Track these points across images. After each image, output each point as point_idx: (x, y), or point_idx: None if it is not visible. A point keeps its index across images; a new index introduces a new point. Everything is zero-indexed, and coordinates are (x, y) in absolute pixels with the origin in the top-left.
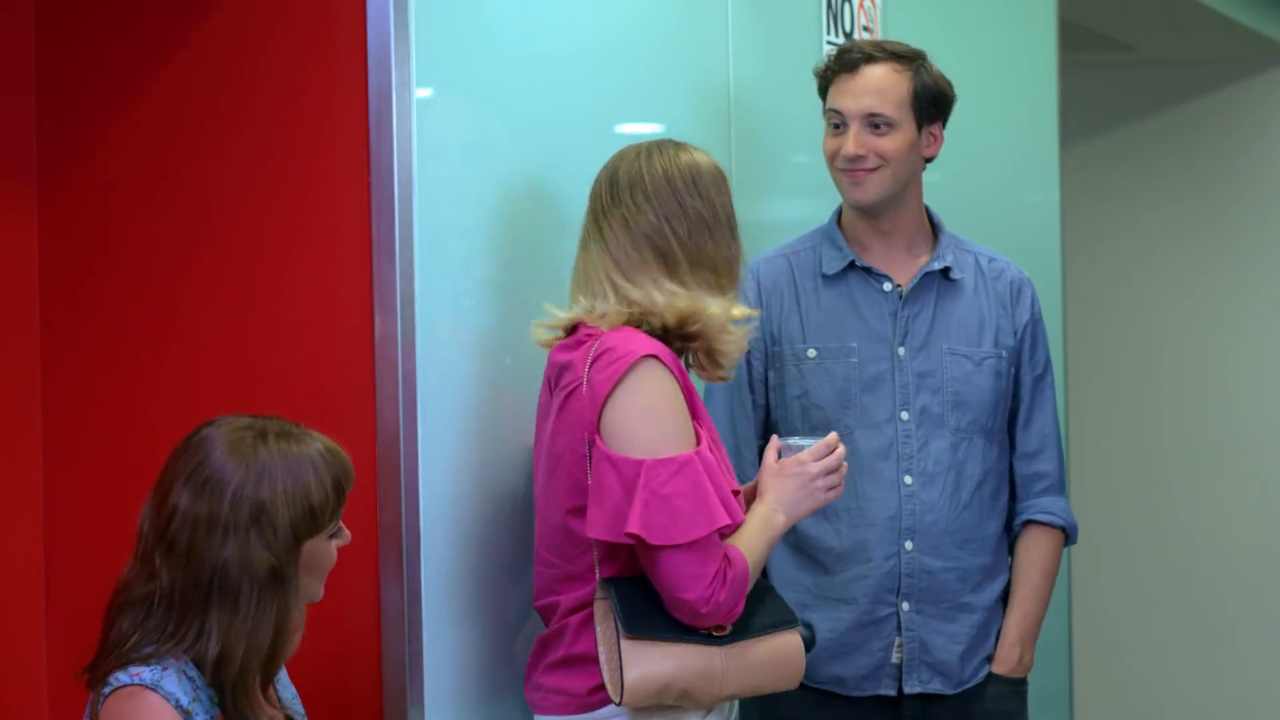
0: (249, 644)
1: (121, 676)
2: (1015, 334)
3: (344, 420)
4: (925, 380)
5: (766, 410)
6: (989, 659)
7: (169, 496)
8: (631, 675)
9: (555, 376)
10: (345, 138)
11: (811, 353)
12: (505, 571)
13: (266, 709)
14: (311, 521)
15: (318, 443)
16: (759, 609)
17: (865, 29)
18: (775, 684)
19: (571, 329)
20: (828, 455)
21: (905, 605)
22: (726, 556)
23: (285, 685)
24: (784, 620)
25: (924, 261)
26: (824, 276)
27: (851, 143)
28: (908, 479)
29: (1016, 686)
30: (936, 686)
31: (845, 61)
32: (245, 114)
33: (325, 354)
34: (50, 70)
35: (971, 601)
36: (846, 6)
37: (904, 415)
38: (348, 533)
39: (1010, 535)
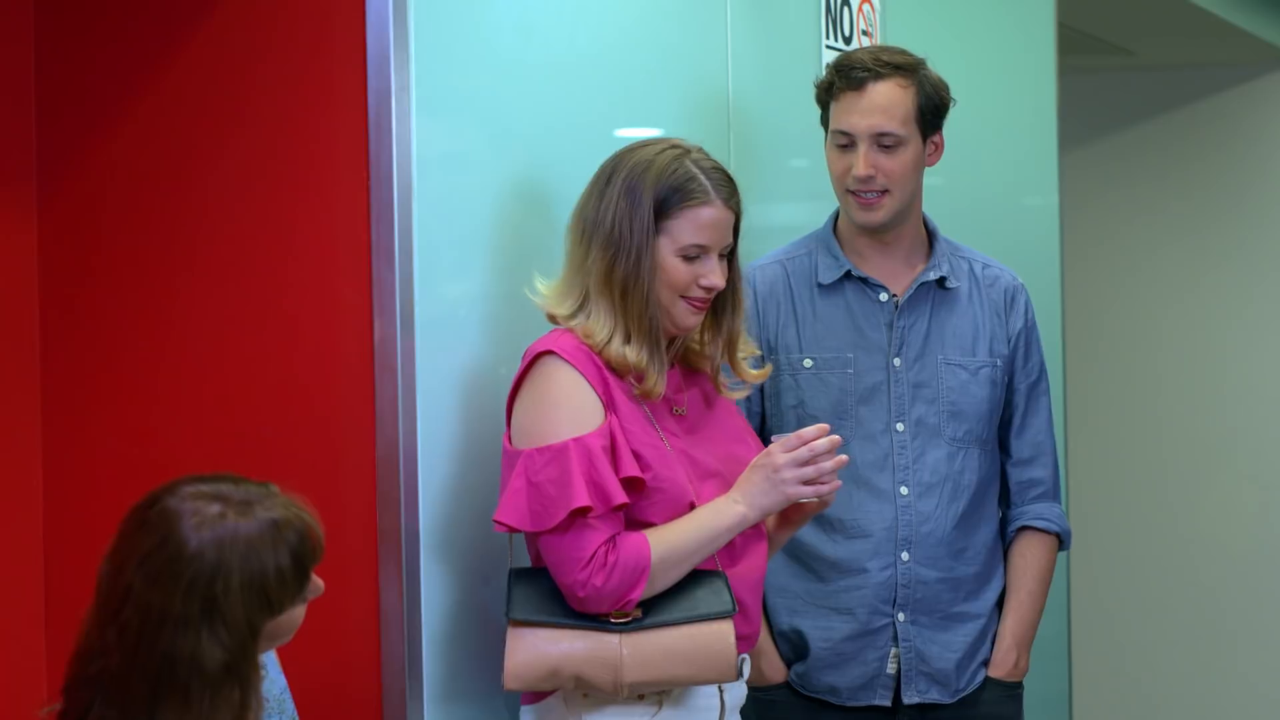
0: None
1: None
2: (1009, 342)
3: (344, 423)
4: (921, 391)
5: (763, 418)
6: (986, 664)
7: (124, 572)
8: (512, 660)
9: None
10: (345, 142)
11: (808, 363)
12: (505, 571)
13: None
14: (268, 609)
15: (276, 513)
16: (688, 597)
17: (864, 33)
18: (695, 675)
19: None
20: (798, 446)
21: (901, 616)
22: (613, 540)
23: (275, 679)
24: (711, 611)
25: (920, 270)
26: (820, 286)
27: (861, 163)
28: (904, 490)
29: (1013, 690)
30: (934, 696)
31: (851, 79)
32: (245, 117)
33: (325, 358)
34: (50, 70)
35: (966, 610)
36: (846, 11)
37: (899, 426)
38: (319, 583)
39: (1004, 541)
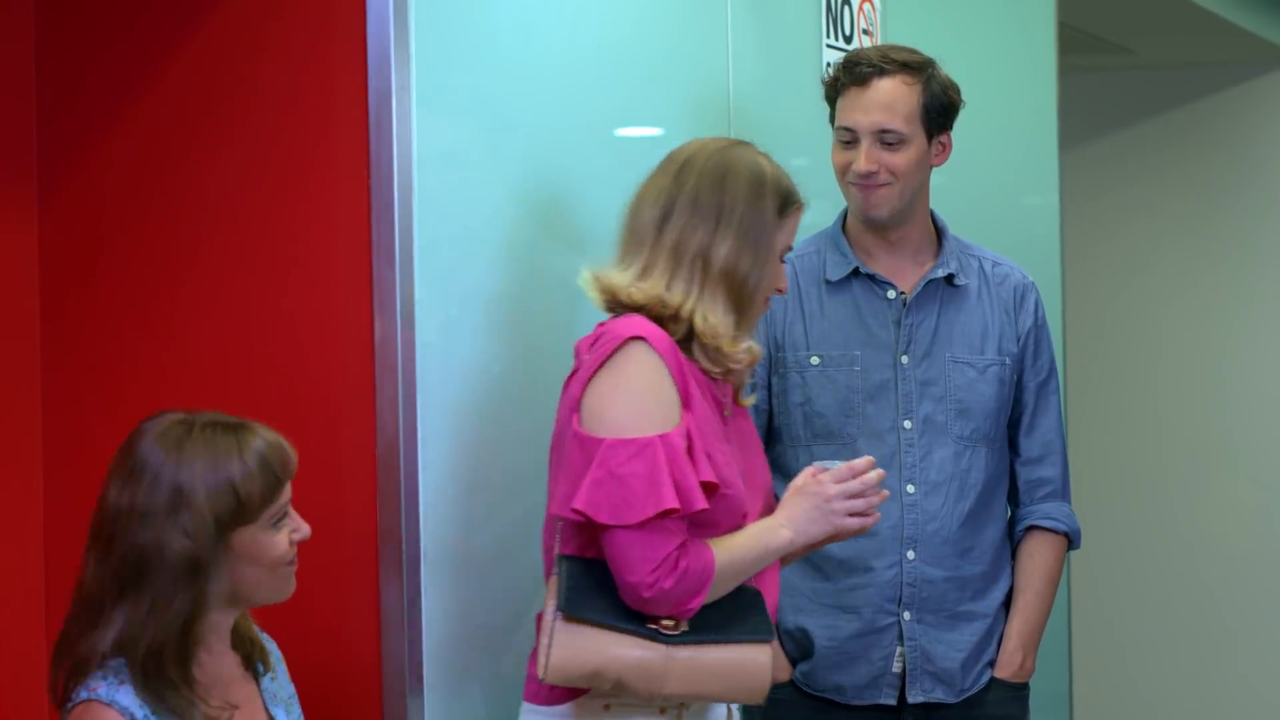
0: (156, 630)
1: (81, 692)
2: (1018, 340)
3: (344, 422)
4: (928, 389)
5: (770, 416)
6: (992, 664)
7: (105, 492)
8: (558, 654)
9: (574, 363)
10: (345, 141)
11: (815, 360)
12: (505, 571)
13: (244, 701)
14: (238, 509)
15: (253, 435)
16: (732, 617)
17: (865, 32)
18: (726, 694)
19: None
20: (851, 479)
21: (906, 615)
22: (684, 546)
23: (283, 684)
24: (753, 634)
25: (928, 268)
26: (828, 283)
27: (863, 159)
28: (910, 488)
29: (1018, 691)
30: (939, 695)
31: (855, 74)
32: (245, 116)
33: (325, 357)
34: (50, 70)
35: (972, 609)
36: (846, 10)
37: (906, 424)
38: (305, 526)
39: (1012, 541)
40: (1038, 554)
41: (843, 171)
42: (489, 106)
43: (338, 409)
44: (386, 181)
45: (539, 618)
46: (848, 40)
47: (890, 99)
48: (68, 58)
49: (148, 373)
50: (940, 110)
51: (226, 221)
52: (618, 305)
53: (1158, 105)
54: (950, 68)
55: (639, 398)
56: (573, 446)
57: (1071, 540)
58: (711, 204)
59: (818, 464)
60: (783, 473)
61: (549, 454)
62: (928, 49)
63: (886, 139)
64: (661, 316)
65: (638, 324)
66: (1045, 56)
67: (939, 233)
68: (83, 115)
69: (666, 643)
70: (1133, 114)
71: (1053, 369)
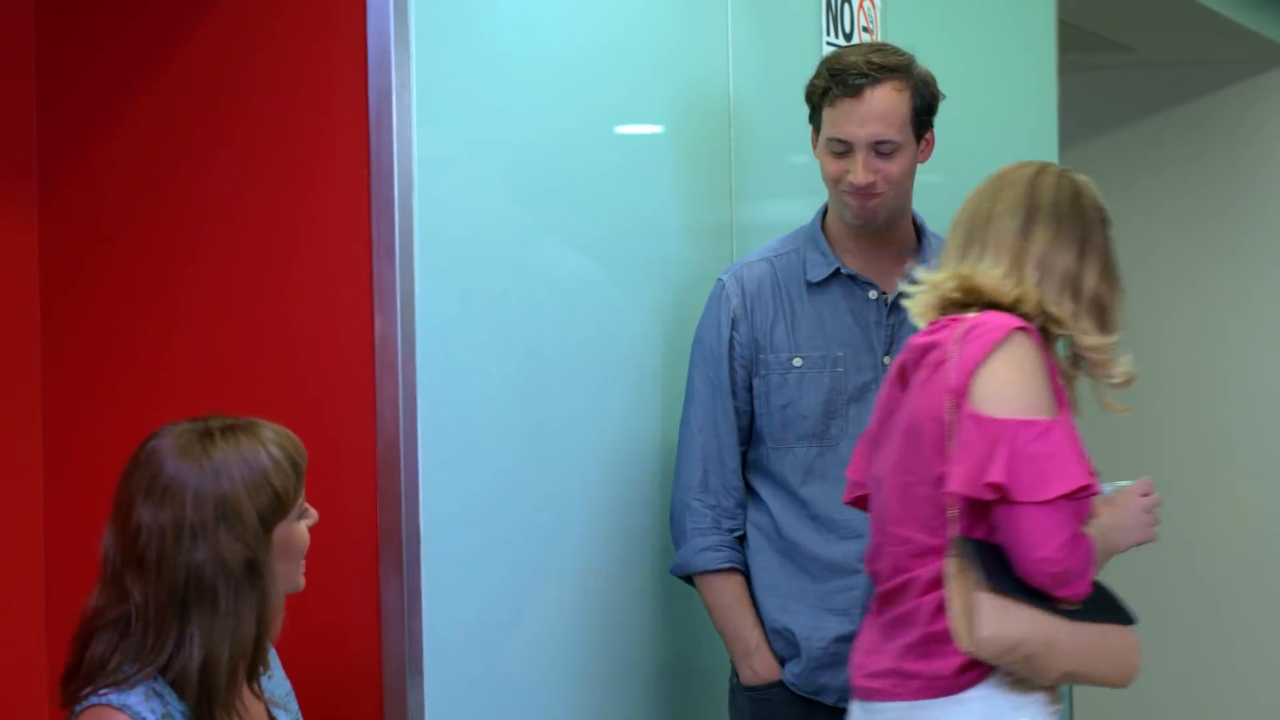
0: (234, 640)
1: (91, 698)
2: None
3: (344, 421)
4: None
5: (751, 417)
6: None
7: (131, 515)
8: (989, 628)
9: (916, 358)
10: (345, 138)
11: (798, 361)
12: (504, 569)
13: (249, 703)
14: (278, 505)
15: (265, 429)
16: (1105, 602)
17: (865, 30)
18: (1109, 674)
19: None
20: (1150, 493)
21: None
22: (1080, 529)
23: (280, 681)
24: (1128, 617)
25: (908, 266)
26: (809, 284)
27: (861, 171)
28: None
29: None
30: None
31: (848, 86)
32: (245, 115)
33: (325, 355)
34: (50, 70)
35: None
36: (846, 7)
37: None
38: (314, 512)
39: None
40: None
41: (836, 181)
42: (489, 105)
43: (338, 409)
44: (386, 181)
45: (888, 623)
46: (848, 38)
47: (885, 109)
48: (68, 58)
49: (148, 373)
50: (926, 110)
51: (226, 221)
52: (975, 303)
53: (1158, 103)
54: (950, 65)
55: (1030, 384)
56: (969, 429)
57: None
58: (1072, 223)
59: (1119, 483)
60: (764, 474)
61: (898, 448)
62: (927, 47)
63: (882, 149)
64: (1029, 315)
65: (1012, 318)
66: (1045, 54)
67: (918, 230)
68: (83, 115)
69: (1073, 619)
70: (1133, 112)
71: None
